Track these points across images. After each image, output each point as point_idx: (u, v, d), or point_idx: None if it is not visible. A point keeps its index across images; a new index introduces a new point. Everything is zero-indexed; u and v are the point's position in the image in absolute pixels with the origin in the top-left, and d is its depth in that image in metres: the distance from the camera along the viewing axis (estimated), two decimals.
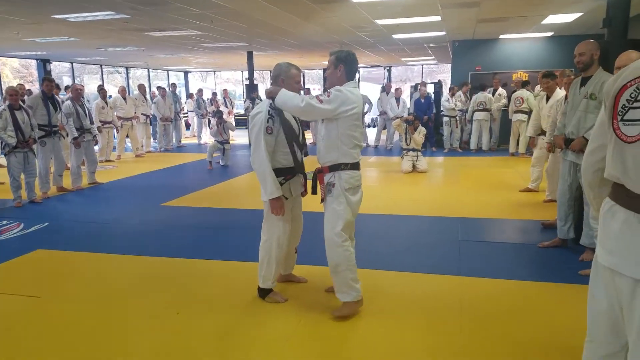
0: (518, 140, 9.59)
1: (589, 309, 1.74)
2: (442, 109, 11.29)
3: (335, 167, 2.87)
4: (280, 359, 2.56)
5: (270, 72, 3.19)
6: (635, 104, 1.50)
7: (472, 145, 10.84)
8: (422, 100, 11.29)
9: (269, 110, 2.94)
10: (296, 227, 3.30)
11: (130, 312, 3.14)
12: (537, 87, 8.53)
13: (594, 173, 1.74)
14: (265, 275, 3.15)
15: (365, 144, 12.04)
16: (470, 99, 10.84)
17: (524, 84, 9.87)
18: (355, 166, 2.89)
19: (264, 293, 3.20)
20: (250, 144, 11.33)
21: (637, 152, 1.48)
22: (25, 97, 7.62)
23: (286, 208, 3.06)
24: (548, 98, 5.86)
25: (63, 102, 7.34)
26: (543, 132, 6.05)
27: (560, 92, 5.77)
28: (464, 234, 4.69)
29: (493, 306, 3.10)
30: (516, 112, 9.52)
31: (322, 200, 2.99)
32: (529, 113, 8.57)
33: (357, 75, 2.98)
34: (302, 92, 3.18)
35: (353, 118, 2.80)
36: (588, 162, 1.77)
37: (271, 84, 3.07)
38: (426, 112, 11.13)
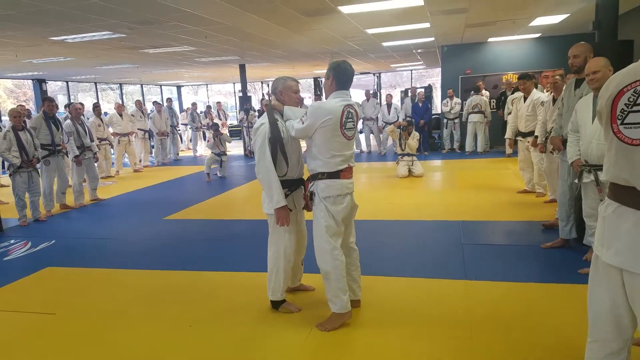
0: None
1: (590, 309, 1.80)
2: (441, 111, 11.63)
3: (314, 177, 2.97)
4: None
5: (268, 84, 3.28)
6: (635, 108, 1.57)
7: (468, 148, 11.02)
8: (420, 105, 11.50)
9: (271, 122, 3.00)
10: (301, 240, 3.32)
11: (144, 327, 3.21)
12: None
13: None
14: (274, 288, 3.21)
15: (357, 150, 12.21)
16: (463, 103, 11.12)
17: (477, 90, 10.11)
18: (334, 175, 2.91)
19: (277, 304, 3.25)
20: (245, 155, 11.38)
21: None
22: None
23: (291, 220, 3.12)
24: (525, 99, 6.06)
25: (64, 120, 7.46)
26: (519, 134, 6.26)
27: (536, 93, 5.96)
28: (466, 238, 4.74)
29: (501, 310, 3.13)
30: (471, 113, 9.76)
31: (304, 207, 3.15)
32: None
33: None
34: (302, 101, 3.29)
35: (329, 129, 2.84)
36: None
37: (272, 96, 3.18)
38: (423, 116, 11.35)
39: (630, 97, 1.58)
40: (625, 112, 1.59)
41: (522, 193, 6.48)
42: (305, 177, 3.21)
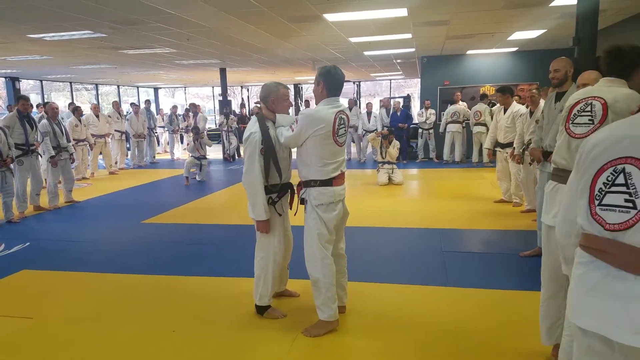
0: (480, 151, 10.08)
1: (544, 262, 2.56)
2: (417, 122, 11.87)
3: (306, 184, 2.94)
4: None
5: (248, 88, 3.22)
6: (584, 113, 2.34)
7: (445, 157, 11.19)
8: (398, 114, 11.63)
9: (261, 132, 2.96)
10: (287, 243, 3.31)
11: (124, 332, 3.15)
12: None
13: (573, 241, 1.57)
14: (262, 293, 3.18)
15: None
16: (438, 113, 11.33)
17: (482, 97, 10.36)
18: (326, 183, 2.88)
19: (262, 310, 3.23)
20: (225, 159, 11.23)
21: (579, 144, 1.95)
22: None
23: (279, 225, 3.13)
24: (505, 110, 6.23)
25: (39, 120, 7.28)
26: (498, 144, 6.41)
27: (516, 105, 6.13)
28: (446, 245, 4.82)
29: (482, 316, 3.18)
30: (476, 124, 10.03)
31: (293, 210, 3.16)
32: (487, 125, 9.04)
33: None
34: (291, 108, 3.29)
35: (322, 137, 2.81)
36: (564, 229, 1.63)
37: (262, 104, 3.13)
38: (405, 122, 11.55)
39: (581, 106, 2.36)
40: (576, 116, 2.38)
41: (499, 202, 6.61)
42: (292, 180, 3.21)
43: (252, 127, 3.02)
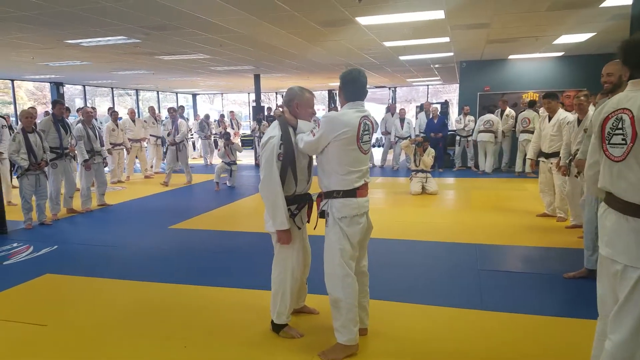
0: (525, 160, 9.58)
1: (597, 292, 2.13)
2: (455, 128, 11.45)
3: (328, 195, 2.75)
4: None
5: (282, 95, 3.09)
6: (617, 131, 1.94)
7: (481, 167, 10.73)
8: (435, 121, 11.25)
9: (281, 136, 2.81)
10: (305, 257, 3.13)
11: (136, 344, 3.03)
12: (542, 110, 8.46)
13: (593, 177, 2.21)
14: (279, 310, 3.00)
15: (371, 165, 11.99)
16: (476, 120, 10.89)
17: (531, 104, 9.86)
18: (350, 194, 2.68)
19: (278, 328, 3.05)
20: (256, 165, 11.21)
21: (621, 168, 1.93)
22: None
23: (298, 238, 2.95)
24: (550, 118, 5.82)
25: (75, 124, 7.40)
26: (542, 154, 6.00)
27: (563, 112, 5.72)
28: (482, 263, 4.48)
29: (521, 346, 2.90)
30: (523, 132, 9.54)
31: (312, 224, 2.97)
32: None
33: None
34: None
35: (345, 142, 2.64)
36: (589, 174, 2.26)
37: (285, 108, 2.98)
38: (441, 131, 11.16)
39: (614, 123, 1.96)
40: (610, 135, 1.97)
41: (542, 217, 6.19)
42: (311, 191, 3.03)
43: (272, 131, 2.86)
